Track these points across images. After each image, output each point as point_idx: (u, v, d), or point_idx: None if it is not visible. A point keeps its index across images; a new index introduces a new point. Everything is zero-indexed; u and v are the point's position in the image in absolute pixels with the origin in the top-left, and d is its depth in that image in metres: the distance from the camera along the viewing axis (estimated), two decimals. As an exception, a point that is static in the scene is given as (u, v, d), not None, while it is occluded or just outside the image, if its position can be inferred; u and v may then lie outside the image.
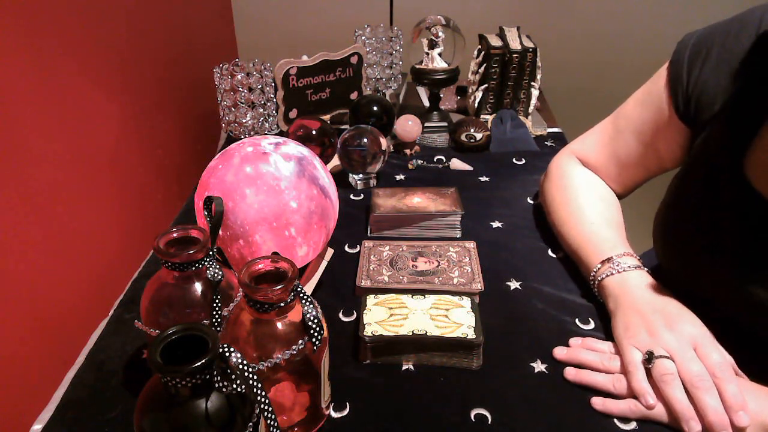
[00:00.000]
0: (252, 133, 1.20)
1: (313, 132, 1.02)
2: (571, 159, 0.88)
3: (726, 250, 0.63)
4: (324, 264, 0.79)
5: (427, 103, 1.34)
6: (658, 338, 0.61)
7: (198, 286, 0.56)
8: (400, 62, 1.39)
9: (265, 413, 0.44)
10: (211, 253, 0.56)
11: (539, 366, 0.66)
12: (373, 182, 1.05)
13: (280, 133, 1.21)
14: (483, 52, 1.23)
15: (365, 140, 0.98)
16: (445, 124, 1.22)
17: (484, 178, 1.08)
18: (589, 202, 0.82)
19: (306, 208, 0.69)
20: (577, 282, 0.79)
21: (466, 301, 0.70)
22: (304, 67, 1.15)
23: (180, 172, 1.21)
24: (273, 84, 1.15)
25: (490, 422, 0.59)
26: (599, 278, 0.72)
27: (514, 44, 1.20)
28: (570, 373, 0.64)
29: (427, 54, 1.17)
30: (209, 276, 0.55)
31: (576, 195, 0.83)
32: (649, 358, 0.59)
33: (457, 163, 1.11)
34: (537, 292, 0.78)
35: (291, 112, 1.18)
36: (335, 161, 1.06)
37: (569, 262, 0.83)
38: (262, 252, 0.68)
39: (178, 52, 1.26)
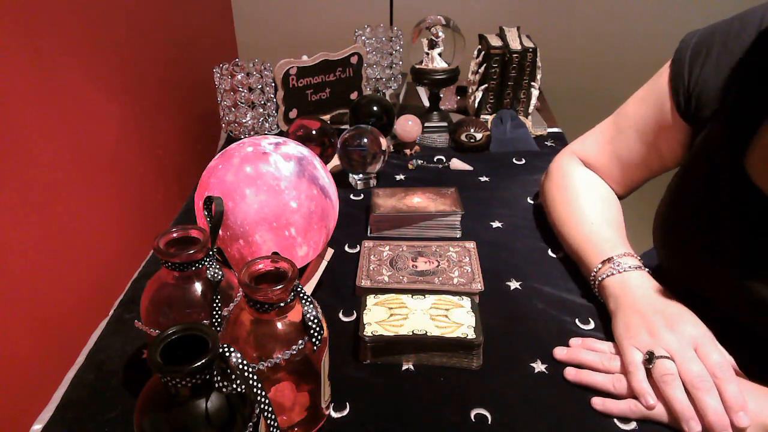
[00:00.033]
0: (252, 133, 1.20)
1: (313, 132, 1.02)
2: (572, 159, 0.88)
3: (726, 249, 0.63)
4: (324, 264, 0.79)
5: (427, 103, 1.34)
6: (658, 338, 0.61)
7: (198, 286, 0.56)
8: (400, 62, 1.39)
9: (265, 413, 0.44)
10: (211, 253, 0.56)
11: (539, 366, 0.66)
12: (373, 182, 1.05)
13: (280, 133, 1.21)
14: (483, 52, 1.23)
15: (365, 140, 0.98)
16: (445, 124, 1.22)
17: (484, 178, 1.08)
18: (589, 202, 0.82)
19: (306, 208, 0.69)
20: (577, 282, 0.79)
21: (466, 301, 0.70)
22: (304, 67, 1.15)
23: (180, 172, 1.21)
24: (273, 84, 1.15)
25: (490, 422, 0.59)
26: (600, 278, 0.72)
27: (514, 44, 1.20)
28: (570, 373, 0.64)
29: (427, 54, 1.17)
30: (209, 276, 0.55)
31: (577, 195, 0.83)
32: (649, 359, 0.59)
33: (457, 163, 1.11)
34: (537, 292, 0.78)
35: (291, 112, 1.18)
36: (335, 161, 1.06)
37: (569, 262, 0.83)
38: (262, 252, 0.68)
39: (178, 52, 1.26)
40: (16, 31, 0.70)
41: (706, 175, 0.66)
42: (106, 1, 0.93)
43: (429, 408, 0.61)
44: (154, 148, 1.10)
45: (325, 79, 1.19)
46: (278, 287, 0.48)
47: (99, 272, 0.86)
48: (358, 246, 0.86)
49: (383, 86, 1.38)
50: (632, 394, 0.59)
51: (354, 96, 1.26)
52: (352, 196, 1.02)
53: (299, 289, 0.51)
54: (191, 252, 0.54)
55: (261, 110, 1.20)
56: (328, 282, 0.79)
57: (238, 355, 0.42)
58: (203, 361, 0.38)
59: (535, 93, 1.25)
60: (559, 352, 0.67)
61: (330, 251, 0.81)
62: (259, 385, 0.43)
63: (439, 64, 1.17)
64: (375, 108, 1.11)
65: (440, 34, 1.15)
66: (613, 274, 0.70)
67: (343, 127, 1.17)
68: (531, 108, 1.27)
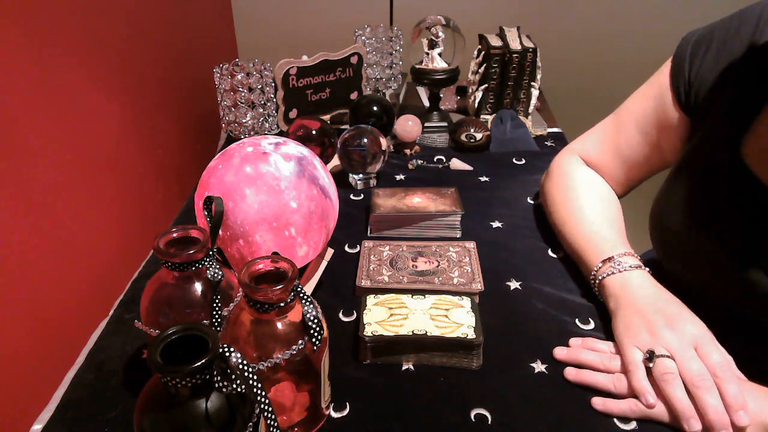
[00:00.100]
0: (252, 133, 1.20)
1: (313, 132, 1.02)
2: (573, 158, 0.88)
3: (726, 241, 0.64)
4: (324, 264, 0.79)
5: (427, 103, 1.34)
6: (658, 338, 0.61)
7: (198, 286, 0.56)
8: (400, 62, 1.39)
9: (265, 413, 0.44)
10: (211, 253, 0.56)
11: (539, 366, 0.66)
12: (373, 182, 1.05)
13: (280, 133, 1.21)
14: (483, 52, 1.23)
15: (365, 140, 0.98)
16: (445, 124, 1.22)
17: (484, 178, 1.08)
18: (589, 202, 0.82)
19: (306, 208, 0.69)
20: (577, 282, 0.79)
21: (466, 301, 0.70)
22: (304, 67, 1.15)
23: (180, 172, 1.21)
24: (273, 84, 1.15)
25: (490, 422, 0.59)
26: (600, 278, 0.72)
27: (514, 44, 1.20)
28: (570, 373, 0.64)
29: (427, 54, 1.17)
30: (209, 276, 0.55)
31: (577, 195, 0.83)
32: (650, 357, 0.59)
33: (457, 163, 1.11)
34: (537, 292, 0.78)
35: (291, 112, 1.18)
36: (335, 161, 1.06)
37: (569, 262, 0.83)
38: (262, 252, 0.68)
39: (178, 52, 1.26)
40: (17, 32, 0.70)
41: (705, 168, 0.67)
42: (107, 1, 0.93)
43: (429, 408, 0.61)
44: (154, 148, 1.10)
45: (325, 79, 1.19)
46: (278, 287, 0.48)
47: (99, 272, 0.86)
48: (358, 246, 0.86)
49: (383, 86, 1.38)
50: (632, 394, 0.60)
51: (354, 96, 1.26)
52: (352, 196, 1.02)
53: (299, 289, 0.51)
54: (191, 252, 0.54)
55: (261, 110, 1.20)
56: (328, 282, 0.79)
57: (238, 355, 0.42)
58: (203, 361, 0.38)
59: (535, 93, 1.25)
60: (559, 352, 0.67)
61: (330, 251, 0.81)
62: (259, 385, 0.43)
63: (439, 64, 1.17)
64: (375, 108, 1.11)
65: (440, 34, 1.15)
66: (613, 273, 0.70)
67: (343, 127, 1.17)
68: (531, 108, 1.27)
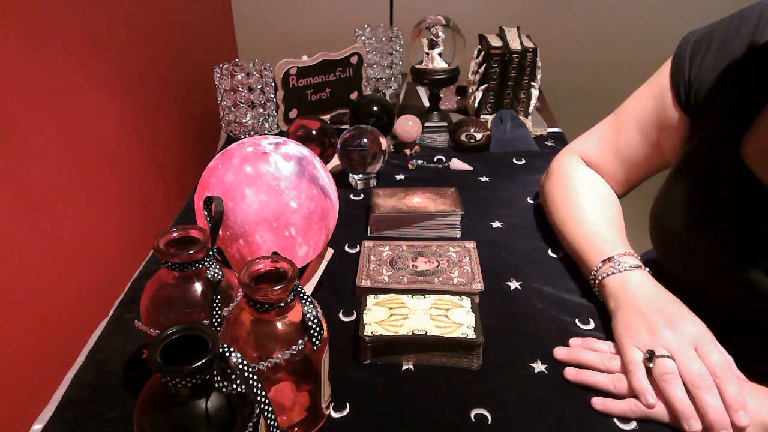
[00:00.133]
0: (252, 133, 1.20)
1: (313, 132, 1.02)
2: (573, 158, 0.88)
3: (726, 241, 0.64)
4: (324, 264, 0.79)
5: (427, 103, 1.34)
6: (658, 337, 0.61)
7: (198, 286, 0.56)
8: (400, 62, 1.39)
9: (265, 413, 0.44)
10: (211, 253, 0.56)
11: (539, 366, 0.66)
12: (373, 182, 1.05)
13: (280, 133, 1.21)
14: (483, 52, 1.23)
15: (365, 140, 0.98)
16: (445, 124, 1.22)
17: (484, 178, 1.08)
18: (589, 202, 0.82)
19: (306, 208, 0.69)
20: (577, 282, 0.79)
21: (466, 301, 0.70)
22: (304, 67, 1.15)
23: (180, 172, 1.21)
24: (273, 84, 1.15)
25: (490, 422, 0.59)
26: (600, 278, 0.72)
27: (514, 44, 1.20)
28: (570, 373, 0.64)
29: (427, 54, 1.17)
30: (209, 276, 0.55)
31: (577, 195, 0.83)
32: (650, 357, 0.59)
33: (457, 163, 1.11)
34: (537, 292, 0.78)
35: (291, 112, 1.18)
36: (335, 161, 1.06)
37: (569, 262, 0.83)
38: (262, 252, 0.68)
39: (178, 52, 1.26)
40: (17, 32, 0.70)
41: (705, 168, 0.67)
42: (107, 1, 0.93)
43: (429, 408, 0.61)
44: (154, 148, 1.10)
45: (325, 79, 1.19)
46: (278, 287, 0.48)
47: (99, 272, 0.86)
48: (358, 246, 0.86)
49: (383, 86, 1.38)
50: (632, 394, 0.59)
51: (354, 96, 1.26)
52: (352, 196, 1.02)
53: (299, 289, 0.51)
54: (191, 252, 0.54)
55: (261, 110, 1.20)
56: (328, 282, 0.79)
57: (238, 355, 0.42)
58: (203, 361, 0.38)
59: (535, 93, 1.25)
60: (559, 352, 0.67)
61: (330, 251, 0.81)
62: (259, 385, 0.43)
63: (439, 64, 1.17)
64: (375, 108, 1.11)
65: (440, 34, 1.15)
66: (613, 273, 0.70)
67: (343, 127, 1.17)
68: (531, 108, 1.27)
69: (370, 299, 0.71)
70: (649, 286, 0.67)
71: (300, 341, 0.50)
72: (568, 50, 1.66)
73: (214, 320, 0.54)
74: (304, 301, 0.51)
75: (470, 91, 1.29)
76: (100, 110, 0.90)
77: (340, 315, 0.74)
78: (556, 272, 0.82)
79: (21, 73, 0.70)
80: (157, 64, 1.14)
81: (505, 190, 1.03)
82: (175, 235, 0.56)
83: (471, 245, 0.83)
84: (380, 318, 0.67)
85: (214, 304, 0.54)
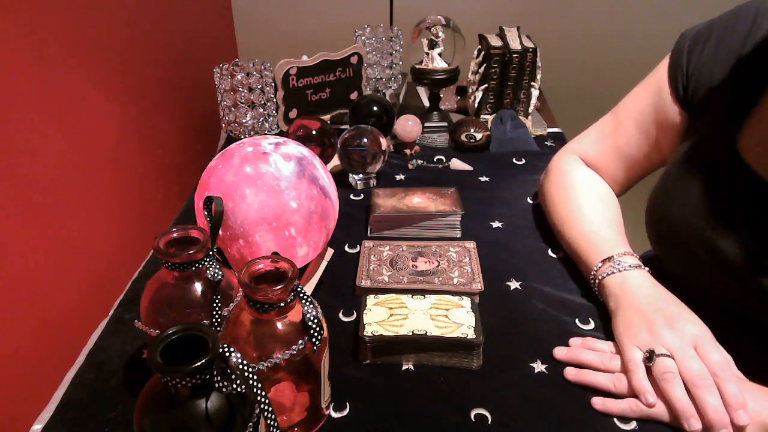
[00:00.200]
0: (252, 133, 1.20)
1: (313, 132, 1.02)
2: (571, 158, 0.88)
3: (726, 240, 0.64)
4: (324, 264, 0.79)
5: (427, 103, 1.34)
6: (658, 337, 0.61)
7: (198, 286, 0.56)
8: (400, 62, 1.39)
9: (265, 413, 0.44)
10: (211, 253, 0.56)
11: (539, 366, 0.66)
12: (373, 182, 1.05)
13: (280, 133, 1.21)
14: (483, 52, 1.23)
15: (365, 140, 0.98)
16: (445, 124, 1.22)
17: (484, 178, 1.08)
18: (589, 201, 0.82)
19: (306, 208, 0.69)
20: (577, 282, 0.79)
21: (466, 301, 0.70)
22: (304, 67, 1.15)
23: (180, 172, 1.21)
24: (273, 84, 1.15)
25: (490, 422, 0.59)
26: (600, 277, 0.72)
27: (514, 44, 1.20)
28: (570, 373, 0.64)
29: (427, 54, 1.17)
30: (209, 276, 0.55)
31: (576, 194, 0.83)
32: (650, 357, 0.59)
33: (457, 163, 1.11)
34: (537, 292, 0.78)
35: (291, 112, 1.18)
36: (335, 161, 1.06)
37: (569, 262, 0.82)
38: (262, 252, 0.68)
39: (178, 52, 1.26)
40: (17, 31, 0.70)
41: (704, 165, 0.67)
42: (107, 1, 0.93)
43: (429, 408, 0.61)
44: (154, 148, 1.10)
45: (325, 79, 1.19)
46: (278, 287, 0.48)
47: (99, 272, 0.86)
48: (358, 246, 0.86)
49: (383, 86, 1.38)
50: (632, 394, 0.59)
51: (354, 96, 1.26)
52: (352, 196, 1.02)
53: (299, 289, 0.51)
54: (191, 252, 0.54)
55: (261, 110, 1.20)
56: (328, 282, 0.79)
57: (238, 355, 0.42)
58: (203, 361, 0.38)
59: (535, 93, 1.25)
60: (559, 352, 0.67)
61: (330, 251, 0.81)
62: (259, 385, 0.43)
63: (439, 64, 1.17)
64: (375, 108, 1.11)
65: (440, 34, 1.15)
66: (613, 273, 0.70)
67: (343, 127, 1.17)
68: (531, 108, 1.27)
69: (370, 299, 0.71)
70: (649, 286, 0.67)
71: (300, 341, 0.50)
72: (568, 50, 1.66)
73: (214, 320, 0.54)
74: (304, 301, 0.51)
75: (470, 91, 1.29)
76: (100, 110, 0.90)
77: (340, 315, 0.74)
78: (556, 272, 0.82)
79: (21, 73, 0.70)
80: (157, 64, 1.14)
81: (505, 190, 1.03)
82: (175, 235, 0.56)
83: (471, 245, 0.83)
84: (380, 318, 0.67)
85: (214, 304, 0.54)
